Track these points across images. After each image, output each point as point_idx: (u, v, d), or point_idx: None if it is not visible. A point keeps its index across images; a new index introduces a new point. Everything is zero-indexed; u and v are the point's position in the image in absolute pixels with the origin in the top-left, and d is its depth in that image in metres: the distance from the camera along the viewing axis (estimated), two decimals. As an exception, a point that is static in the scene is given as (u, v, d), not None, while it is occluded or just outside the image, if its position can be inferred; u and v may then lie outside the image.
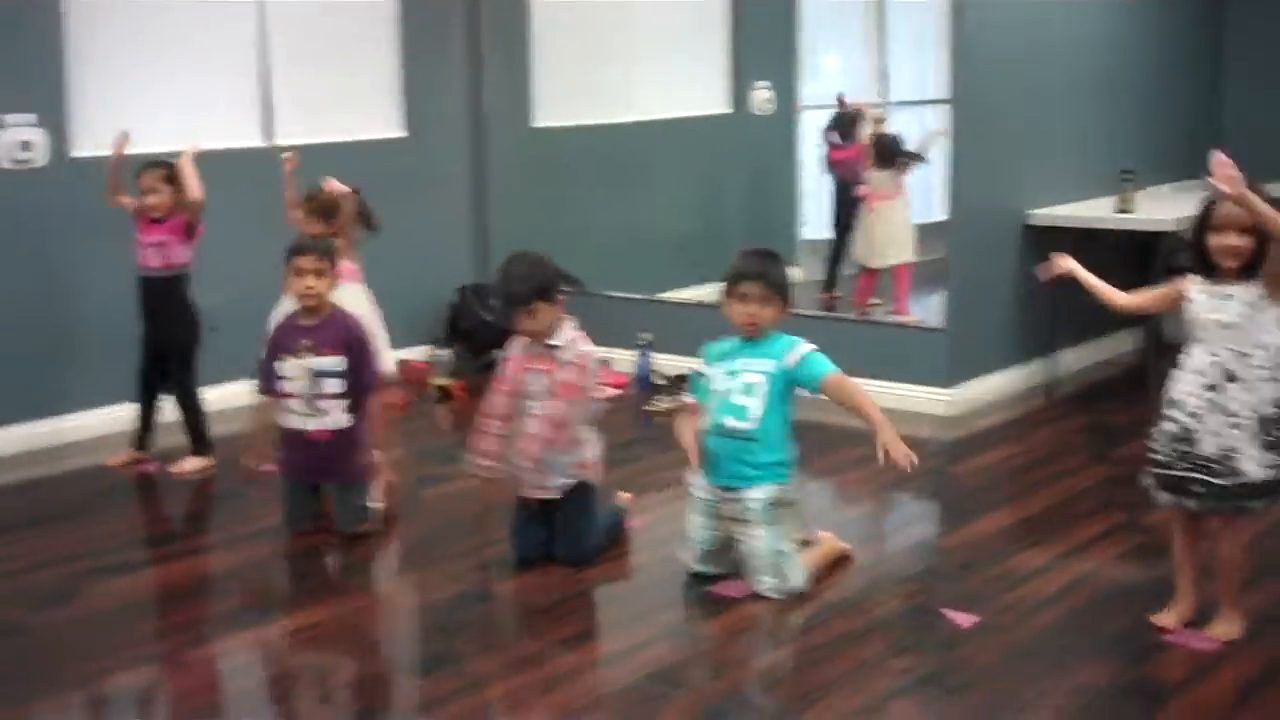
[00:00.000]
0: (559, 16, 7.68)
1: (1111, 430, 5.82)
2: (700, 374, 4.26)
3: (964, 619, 3.93)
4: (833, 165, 8.24)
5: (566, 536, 4.39)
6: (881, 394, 6.15)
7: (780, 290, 4.16)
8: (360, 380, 4.68)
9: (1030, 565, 4.35)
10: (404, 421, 6.31)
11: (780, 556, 4.11)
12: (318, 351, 4.63)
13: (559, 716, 3.46)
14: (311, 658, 3.97)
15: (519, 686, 3.64)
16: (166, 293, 5.42)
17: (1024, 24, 6.25)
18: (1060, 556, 4.42)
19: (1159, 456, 3.72)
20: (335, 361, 4.63)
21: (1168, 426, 3.70)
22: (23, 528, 4.95)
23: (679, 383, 6.46)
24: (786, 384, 4.13)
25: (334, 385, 4.63)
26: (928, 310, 7.08)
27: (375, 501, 4.78)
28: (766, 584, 4.10)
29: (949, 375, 6.10)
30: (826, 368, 4.11)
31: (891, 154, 7.73)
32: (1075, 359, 6.77)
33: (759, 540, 4.11)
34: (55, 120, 5.91)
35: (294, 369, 4.64)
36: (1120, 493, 4.95)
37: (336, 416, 4.65)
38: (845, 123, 8.22)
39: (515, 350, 4.41)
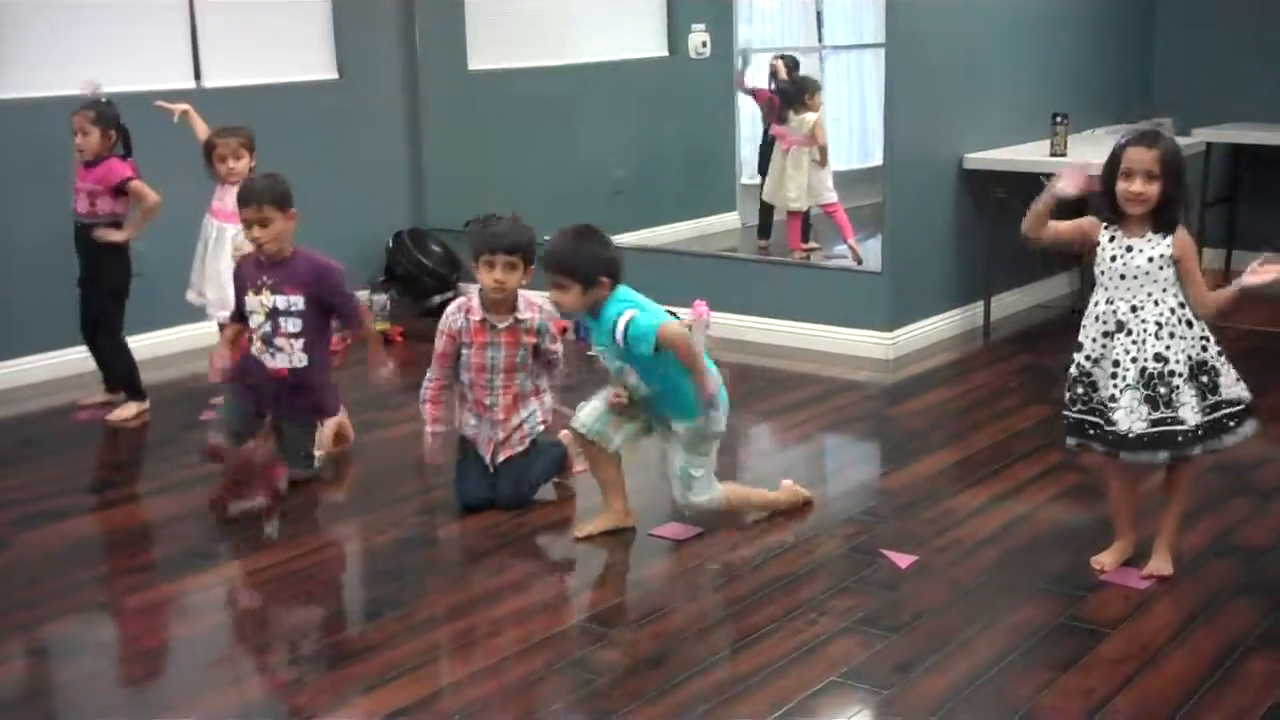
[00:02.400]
0: (494, -43, 7.59)
1: (1049, 372, 5.86)
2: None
3: (903, 560, 3.97)
4: (763, 104, 8.22)
5: (511, 483, 4.40)
6: (821, 338, 6.22)
7: (576, 272, 4.01)
8: (340, 315, 4.68)
9: (969, 506, 4.39)
10: (342, 368, 6.25)
11: (689, 478, 4.15)
12: (277, 290, 4.58)
13: (502, 658, 3.45)
14: (254, 604, 3.95)
15: (462, 630, 3.63)
16: (91, 239, 5.31)
17: (960, -32, 6.25)
18: (998, 497, 4.46)
19: (1065, 396, 3.79)
20: (294, 300, 4.58)
21: (1071, 370, 3.77)
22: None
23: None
24: (638, 349, 4.03)
25: (291, 324, 4.59)
26: (866, 255, 7.10)
27: (319, 450, 4.75)
28: (678, 493, 4.18)
29: (888, 319, 6.13)
30: (650, 335, 3.98)
31: (796, 95, 7.68)
32: (1012, 302, 6.82)
33: (676, 457, 4.16)
34: (-22, 60, 5.79)
35: (254, 304, 4.61)
36: (1057, 433, 4.98)
37: (292, 355, 4.61)
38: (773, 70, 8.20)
39: (467, 319, 4.33)
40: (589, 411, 4.23)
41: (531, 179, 7.52)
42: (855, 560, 4.01)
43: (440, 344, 4.37)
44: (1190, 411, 3.62)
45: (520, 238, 4.27)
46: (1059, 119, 6.35)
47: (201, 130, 5.49)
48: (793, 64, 8.05)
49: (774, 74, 7.94)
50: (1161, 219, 3.62)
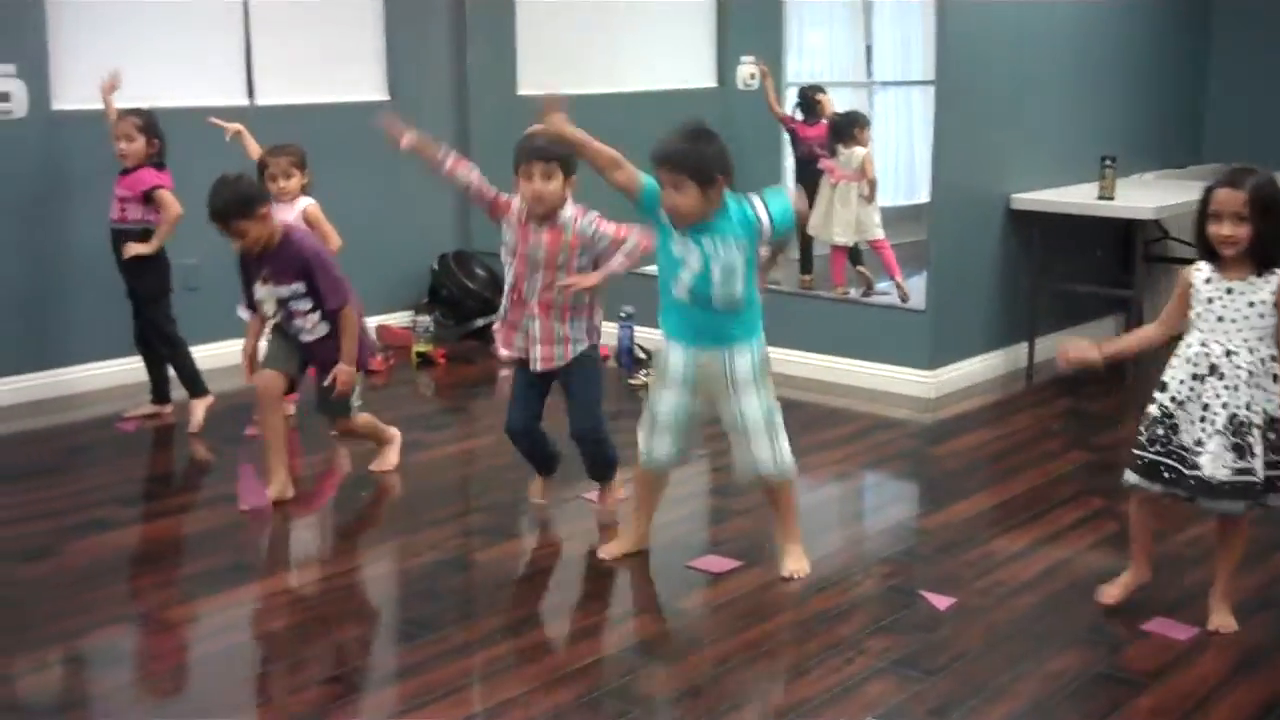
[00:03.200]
0: (545, -16, 7.64)
1: (1091, 417, 5.85)
2: (658, 203, 3.99)
3: (941, 601, 3.95)
4: (800, 142, 8.19)
5: (579, 405, 4.42)
6: (862, 374, 6.20)
7: (703, 173, 3.88)
8: (321, 302, 4.67)
9: (1008, 549, 4.37)
10: (385, 388, 6.29)
11: (775, 426, 4.05)
12: (277, 281, 4.64)
13: (537, 686, 3.45)
14: (291, 621, 3.95)
15: (498, 655, 3.64)
16: (123, 245, 5.40)
17: (1009, 7, 6.25)
18: (1038, 542, 4.44)
19: (1140, 437, 3.73)
20: (294, 288, 4.64)
21: (1151, 409, 3.71)
22: (7, 482, 4.93)
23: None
24: (757, 251, 3.99)
25: (302, 304, 4.66)
26: (910, 292, 7.08)
27: (359, 403, 4.84)
28: (763, 457, 4.02)
29: (929, 358, 6.11)
30: (789, 208, 4.02)
31: (846, 129, 7.65)
32: (1055, 344, 6.76)
33: (750, 404, 4.01)
34: (36, 71, 5.86)
35: (263, 294, 4.69)
36: (1099, 480, 4.97)
37: (314, 330, 4.69)
38: (809, 100, 8.18)
39: (515, 216, 4.31)
40: (658, 449, 4.14)
41: (579, 205, 7.54)
42: (893, 600, 3.99)
43: (500, 196, 4.35)
44: (1259, 463, 3.59)
45: (558, 147, 4.17)
46: (1108, 161, 6.33)
47: (254, 149, 5.54)
48: (815, 90, 8.04)
49: (808, 105, 7.92)
50: (1260, 259, 3.56)
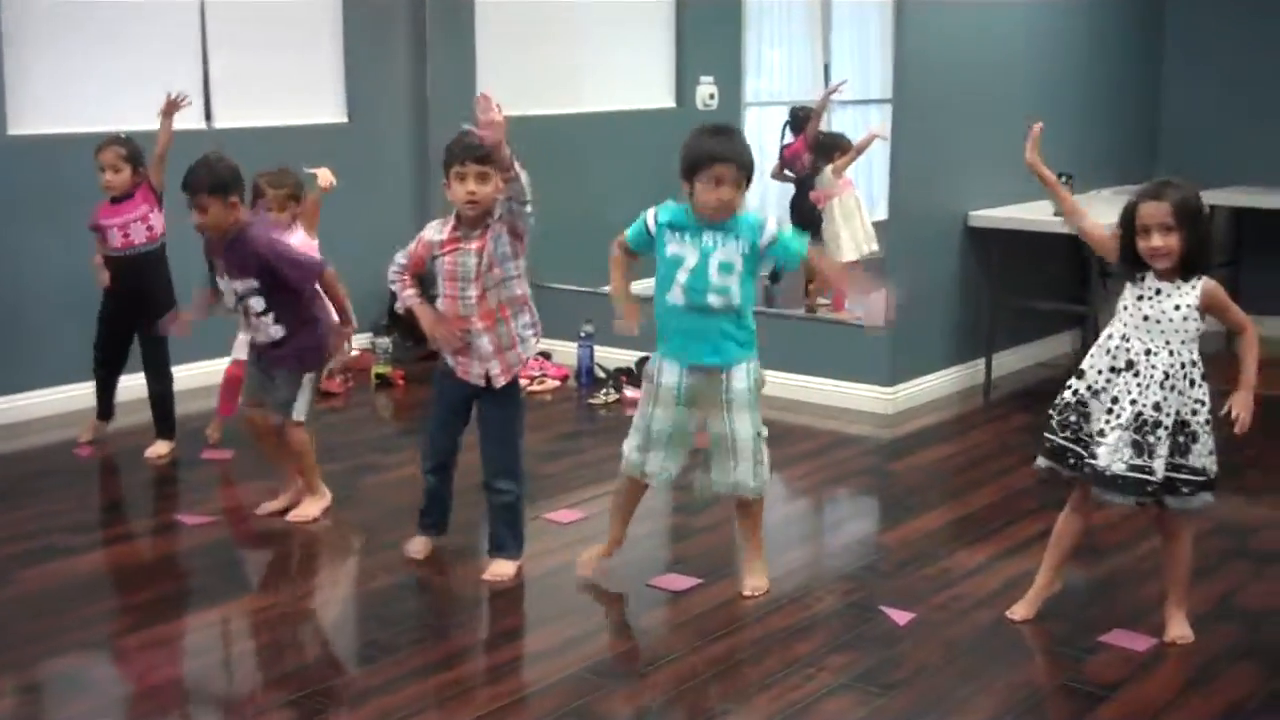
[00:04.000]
0: (505, 5, 7.65)
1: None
2: (646, 227, 4.07)
3: (901, 616, 3.96)
4: (788, 161, 8.21)
5: (498, 436, 4.26)
6: (822, 391, 6.22)
7: (750, 170, 3.94)
8: (297, 284, 4.60)
9: (968, 564, 4.39)
10: (344, 410, 6.27)
11: (759, 441, 4.06)
12: (233, 274, 4.60)
13: (498, 708, 3.44)
14: (247, 646, 3.93)
15: (458, 677, 3.62)
16: (136, 271, 5.32)
17: (966, 26, 6.30)
18: (997, 556, 4.46)
19: (1052, 421, 3.79)
20: (248, 283, 4.58)
21: (1066, 395, 3.77)
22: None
23: (620, 376, 6.48)
24: (758, 263, 4.01)
25: (256, 303, 4.60)
26: (869, 309, 7.09)
27: (301, 415, 4.72)
28: (744, 477, 4.04)
29: (889, 374, 6.14)
30: (803, 247, 4.07)
31: (828, 149, 7.72)
32: (1014, 360, 6.84)
33: (742, 424, 4.02)
34: (-9, 97, 5.83)
35: (224, 286, 4.65)
36: (1057, 494, 4.98)
37: (268, 330, 4.63)
38: (798, 118, 8.23)
39: (442, 232, 4.17)
40: (652, 462, 4.11)
41: (538, 226, 7.53)
42: (853, 616, 4.00)
43: (414, 248, 4.23)
44: (1160, 464, 3.62)
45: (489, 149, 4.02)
46: (1065, 178, 6.35)
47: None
48: (806, 115, 8.10)
49: (797, 124, 7.97)
50: (1189, 267, 3.61)
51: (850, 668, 3.65)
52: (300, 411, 4.71)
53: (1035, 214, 6.49)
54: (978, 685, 3.56)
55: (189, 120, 6.45)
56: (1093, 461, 3.67)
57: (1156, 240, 3.57)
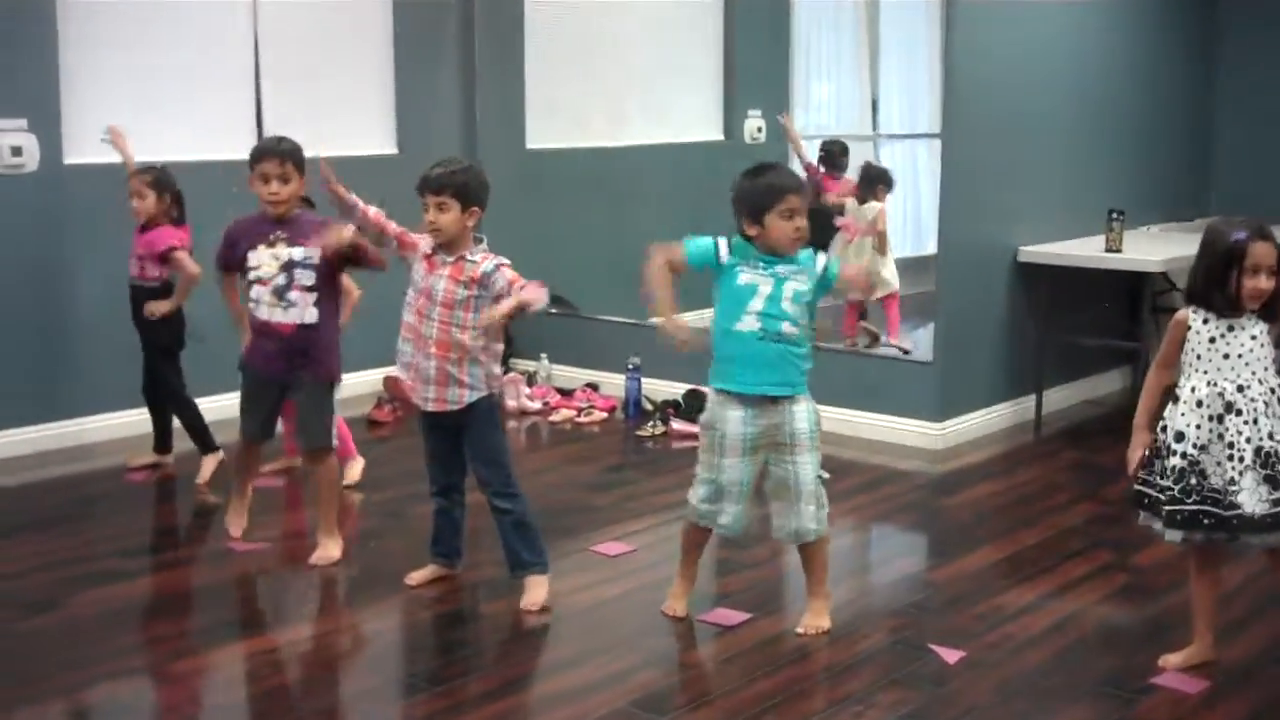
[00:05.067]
0: (554, 39, 7.70)
1: (1099, 469, 5.82)
2: (717, 248, 4.06)
3: (951, 655, 3.93)
4: (820, 194, 8.18)
5: (483, 459, 4.28)
6: (872, 426, 6.19)
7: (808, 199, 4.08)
8: (363, 260, 4.56)
9: (1018, 603, 4.35)
10: (391, 439, 6.29)
11: (819, 485, 4.07)
12: (293, 242, 4.56)
13: (545, 741, 3.44)
14: (294, 675, 3.94)
15: (503, 709, 3.62)
16: (139, 304, 5.42)
17: (1015, 61, 6.28)
18: (1048, 595, 4.42)
19: (1167, 494, 3.66)
20: (310, 253, 4.55)
21: (1174, 461, 3.65)
22: (15, 532, 4.92)
23: (667, 408, 6.47)
24: (820, 295, 4.07)
25: (306, 277, 4.56)
26: (917, 344, 7.08)
27: (334, 432, 4.73)
28: (810, 514, 4.04)
29: (938, 409, 6.11)
30: (838, 263, 4.17)
31: (873, 182, 7.66)
32: (1063, 397, 6.79)
33: (805, 467, 4.03)
34: (47, 126, 5.89)
35: (265, 258, 4.57)
36: (1109, 532, 4.96)
37: (304, 310, 4.57)
38: (831, 154, 8.21)
39: (427, 247, 4.24)
40: (729, 515, 4.08)
41: (586, 257, 7.57)
42: (902, 654, 3.97)
43: (400, 228, 4.34)
44: None
45: (450, 178, 4.15)
46: (1115, 215, 6.35)
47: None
48: (841, 150, 8.08)
49: (832, 160, 7.94)
50: (1271, 309, 3.61)
51: (899, 706, 3.62)
52: (334, 436, 4.72)
53: (1085, 250, 6.46)
54: (1029, 725, 3.53)
55: (242, 152, 6.50)
56: (1237, 511, 3.58)
57: (1264, 282, 3.56)
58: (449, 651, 3.98)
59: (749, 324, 3.98)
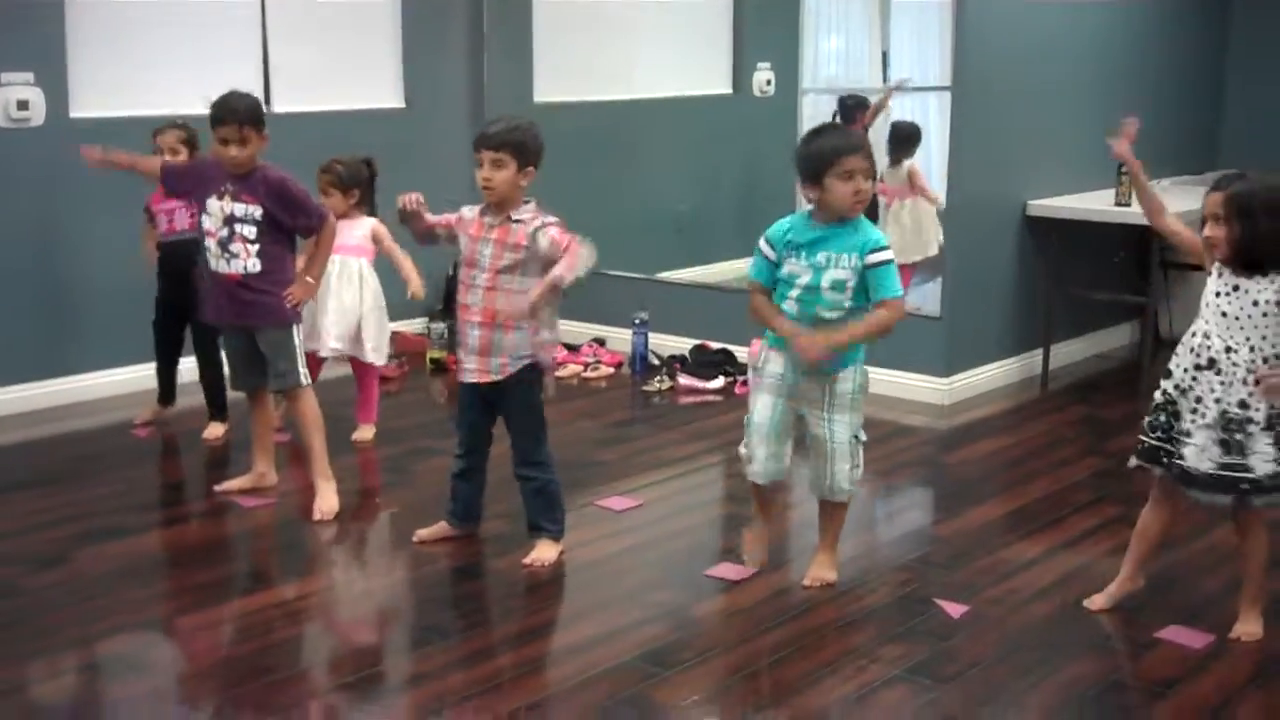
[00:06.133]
0: (562, -9, 7.65)
1: (1106, 424, 5.83)
2: (766, 258, 4.03)
3: (955, 609, 3.94)
4: None
5: (519, 429, 4.25)
6: (878, 381, 6.16)
7: (873, 161, 4.00)
8: (297, 224, 4.66)
9: (1023, 557, 4.36)
10: (398, 394, 6.31)
11: (855, 444, 4.08)
12: (236, 198, 4.59)
13: (552, 694, 3.46)
14: (303, 629, 3.96)
15: (511, 663, 3.64)
16: (181, 257, 5.25)
17: (1026, 13, 6.24)
18: (1053, 549, 4.43)
19: (1145, 421, 3.77)
20: (251, 210, 4.57)
21: (1157, 395, 3.75)
22: (22, 489, 4.94)
23: (674, 363, 6.48)
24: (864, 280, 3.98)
25: (247, 230, 4.58)
26: (925, 298, 7.05)
27: (304, 370, 4.75)
28: (844, 473, 4.06)
29: (945, 365, 6.10)
30: (891, 293, 3.95)
31: (905, 142, 7.55)
32: (1071, 351, 6.78)
33: (842, 426, 4.04)
34: (54, 80, 5.87)
35: (214, 209, 4.62)
36: (1114, 486, 4.96)
37: (246, 261, 4.60)
38: (848, 108, 8.16)
39: (472, 213, 4.21)
40: (760, 460, 4.11)
41: (594, 211, 7.51)
42: (907, 608, 3.98)
43: (448, 215, 4.27)
44: (1261, 461, 3.58)
45: (508, 135, 4.10)
46: (1124, 169, 6.31)
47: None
48: (858, 104, 8.02)
49: (848, 116, 7.85)
50: (1245, 262, 3.58)
51: (904, 659, 3.64)
52: (304, 374, 4.74)
53: (1094, 203, 6.44)
54: (1032, 680, 3.54)
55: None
56: (1180, 462, 3.64)
57: (1208, 230, 3.60)
58: (457, 605, 4.01)
59: (790, 306, 4.00)
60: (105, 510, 4.70)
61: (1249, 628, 3.76)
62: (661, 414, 6.08)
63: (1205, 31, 7.66)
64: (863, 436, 4.10)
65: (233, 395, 5.25)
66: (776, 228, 4.03)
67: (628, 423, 6.02)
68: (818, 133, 4.04)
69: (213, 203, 4.63)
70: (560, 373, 6.58)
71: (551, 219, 4.14)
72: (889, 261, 3.93)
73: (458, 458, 4.37)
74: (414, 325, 7.07)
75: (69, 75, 5.92)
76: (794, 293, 3.97)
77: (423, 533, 4.42)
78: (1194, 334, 3.67)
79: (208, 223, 4.64)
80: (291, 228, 4.68)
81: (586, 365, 6.63)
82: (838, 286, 3.93)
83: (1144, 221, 6.19)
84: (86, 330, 6.02)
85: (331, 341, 5.32)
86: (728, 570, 4.22)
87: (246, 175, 4.61)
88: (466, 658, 3.65)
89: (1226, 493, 3.63)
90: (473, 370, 4.19)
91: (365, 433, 5.51)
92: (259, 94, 6.42)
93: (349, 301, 5.34)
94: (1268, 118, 7.55)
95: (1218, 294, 3.63)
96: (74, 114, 5.94)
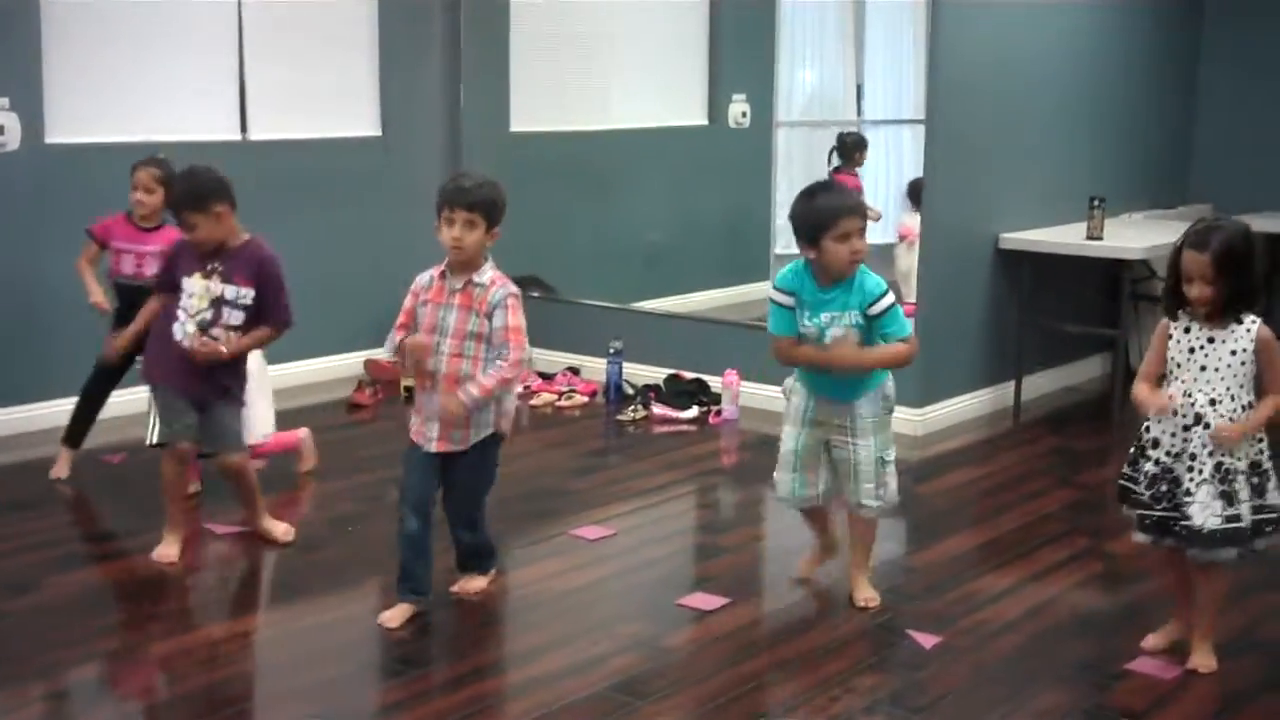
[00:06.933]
0: (539, 21, 7.68)
1: (1077, 455, 5.87)
2: (783, 305, 4.05)
3: (927, 640, 3.95)
4: None
5: (463, 493, 4.15)
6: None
7: (867, 217, 4.05)
8: (270, 316, 4.47)
9: (994, 588, 4.37)
10: (371, 422, 6.30)
11: (881, 465, 4.12)
12: (228, 279, 4.41)
13: (523, 724, 3.46)
14: (270, 658, 3.94)
15: (482, 693, 3.63)
16: (131, 304, 5.08)
17: (999, 47, 6.29)
18: (1024, 580, 4.44)
19: (1141, 497, 3.72)
20: (244, 292, 4.41)
21: (1148, 467, 3.70)
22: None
23: (648, 392, 6.49)
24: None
25: (235, 317, 4.42)
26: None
27: (254, 435, 4.64)
28: (869, 492, 4.11)
29: (917, 396, 6.11)
30: (904, 332, 4.03)
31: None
32: (1043, 383, 6.81)
33: (865, 449, 4.09)
34: (30, 105, 5.86)
35: (198, 288, 4.42)
36: (1086, 518, 4.98)
37: (218, 348, 4.41)
38: (845, 145, 8.21)
39: (431, 278, 4.07)
40: (781, 484, 4.21)
41: (569, 241, 7.57)
42: (879, 638, 3.99)
43: (406, 300, 4.11)
44: (1245, 509, 3.61)
45: (483, 195, 3.96)
46: (1096, 202, 6.37)
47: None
48: (856, 143, 8.08)
49: (846, 153, 7.90)
50: (1232, 311, 3.60)
51: (877, 690, 3.65)
52: (246, 437, 4.65)
53: (1066, 236, 6.48)
54: (1004, 710, 3.55)
55: (225, 132, 6.52)
56: (1187, 523, 3.62)
57: (1196, 291, 3.58)
58: (426, 636, 3.99)
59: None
60: (75, 537, 4.71)
61: (1204, 660, 3.78)
62: (635, 443, 6.08)
63: (1177, 66, 7.73)
64: (889, 457, 4.15)
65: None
66: (779, 279, 4.08)
67: (601, 452, 6.02)
68: (812, 193, 4.03)
69: (195, 282, 4.42)
70: (534, 401, 6.59)
71: (512, 289, 4.02)
72: (891, 306, 4.00)
73: (406, 509, 4.10)
74: (386, 353, 7.05)
75: (45, 100, 5.91)
76: (806, 343, 4.05)
77: (389, 617, 4.04)
78: (1170, 397, 3.66)
79: (187, 300, 4.41)
80: (269, 318, 4.49)
81: (561, 394, 6.64)
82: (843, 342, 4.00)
83: (1115, 255, 6.34)
84: (60, 356, 5.93)
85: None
86: (701, 600, 4.22)
87: (235, 253, 4.43)
88: (438, 688, 3.64)
89: (1233, 545, 3.63)
90: (434, 440, 4.05)
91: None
92: (235, 120, 6.51)
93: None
94: (1236, 149, 7.63)
95: (1192, 350, 3.64)
96: (49, 139, 5.94)
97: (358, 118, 7.15)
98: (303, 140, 6.75)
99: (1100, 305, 6.81)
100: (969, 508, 5.29)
